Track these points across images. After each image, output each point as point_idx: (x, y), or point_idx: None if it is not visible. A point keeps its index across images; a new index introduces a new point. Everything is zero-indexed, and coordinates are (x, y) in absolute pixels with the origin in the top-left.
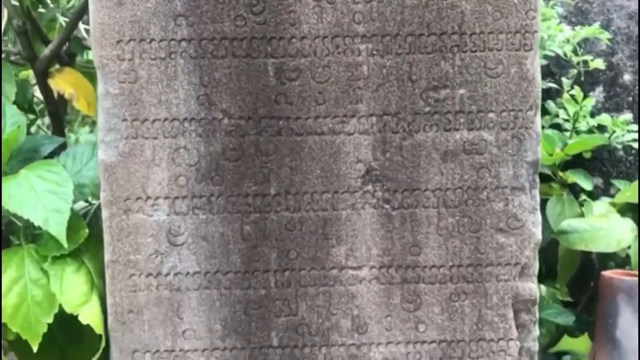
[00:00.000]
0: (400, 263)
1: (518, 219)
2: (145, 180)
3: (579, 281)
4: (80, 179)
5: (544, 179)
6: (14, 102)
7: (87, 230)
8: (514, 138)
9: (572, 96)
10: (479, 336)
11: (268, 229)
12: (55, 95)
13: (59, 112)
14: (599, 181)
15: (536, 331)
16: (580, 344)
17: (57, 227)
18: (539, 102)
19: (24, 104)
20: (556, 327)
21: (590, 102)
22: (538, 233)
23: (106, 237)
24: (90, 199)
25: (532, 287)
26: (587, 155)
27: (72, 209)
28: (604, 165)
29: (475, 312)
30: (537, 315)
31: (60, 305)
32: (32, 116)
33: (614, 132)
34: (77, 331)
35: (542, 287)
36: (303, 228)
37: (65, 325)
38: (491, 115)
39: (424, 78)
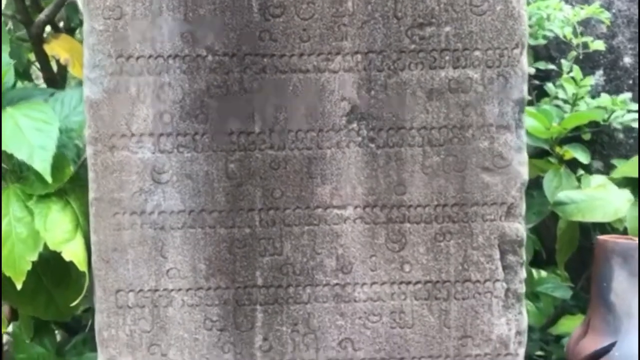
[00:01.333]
0: (385, 202)
1: (504, 158)
2: (130, 117)
3: (578, 263)
4: (68, 124)
5: (542, 154)
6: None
7: (72, 169)
8: (499, 76)
9: (572, 77)
10: (464, 277)
11: (253, 168)
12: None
13: (55, 78)
14: (599, 164)
15: (523, 273)
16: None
17: (41, 163)
18: (525, 40)
19: (19, 68)
20: (554, 308)
21: (589, 82)
22: (524, 173)
23: (90, 175)
24: (78, 142)
25: (519, 228)
26: (587, 137)
27: (57, 148)
28: (604, 148)
29: (461, 252)
30: (524, 257)
31: (45, 246)
32: (27, 83)
33: (614, 111)
34: (62, 274)
35: (543, 272)
36: (288, 167)
37: (51, 268)
38: (477, 53)
39: (409, 15)
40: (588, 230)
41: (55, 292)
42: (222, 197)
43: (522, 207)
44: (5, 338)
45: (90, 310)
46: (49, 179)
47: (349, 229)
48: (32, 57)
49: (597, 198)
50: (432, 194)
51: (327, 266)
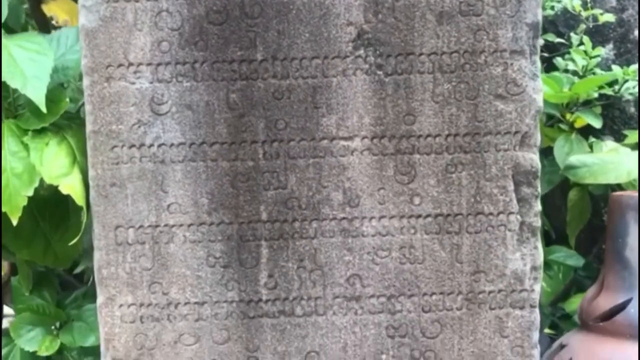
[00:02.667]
0: (394, 133)
1: (518, 85)
2: (127, 46)
3: (589, 240)
4: (64, 62)
5: (552, 122)
6: (5, 24)
7: (68, 101)
8: None
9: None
10: (477, 209)
11: (255, 97)
12: None
13: None
14: (610, 139)
15: (538, 206)
16: None
17: (35, 92)
18: None
19: (17, 28)
20: (564, 283)
21: (599, 51)
22: (539, 100)
23: (87, 107)
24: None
25: (534, 158)
26: (598, 111)
27: (53, 81)
28: (615, 123)
29: (473, 184)
30: (539, 189)
31: (42, 185)
32: None
33: (626, 81)
34: (60, 218)
35: None
36: (292, 96)
37: (49, 211)
38: None
39: None
40: (599, 206)
41: (53, 238)
42: (223, 128)
43: (537, 137)
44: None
45: (91, 268)
46: (44, 109)
47: (356, 160)
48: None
49: (609, 161)
50: (442, 123)
51: (333, 200)
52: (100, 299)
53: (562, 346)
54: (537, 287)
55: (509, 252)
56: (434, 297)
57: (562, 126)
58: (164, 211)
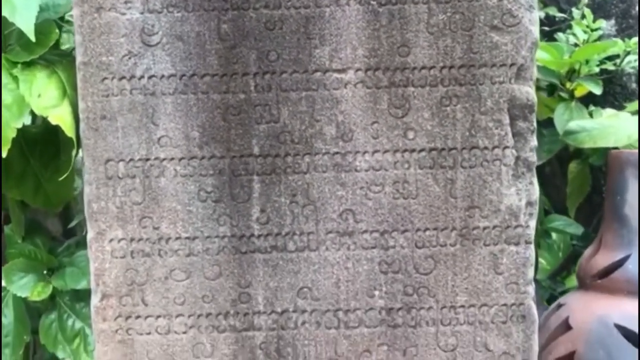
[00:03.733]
0: (388, 65)
1: (514, 16)
2: None
3: (588, 213)
4: None
5: (552, 91)
6: None
7: (58, 32)
8: None
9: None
10: (471, 143)
11: (246, 28)
12: None
13: None
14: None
15: (534, 141)
16: None
17: (25, 22)
18: None
19: None
20: (563, 257)
21: (600, 24)
22: (535, 32)
23: (77, 38)
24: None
25: (529, 92)
26: (598, 93)
27: (43, 15)
28: (616, 99)
29: (468, 117)
30: (535, 124)
31: (33, 121)
32: None
33: (628, 54)
34: (50, 156)
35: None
36: (284, 27)
37: (39, 149)
38: None
39: None
40: (599, 179)
41: (44, 176)
42: (214, 60)
43: (533, 70)
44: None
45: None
46: (32, 37)
47: (350, 93)
48: None
49: (609, 125)
50: (437, 55)
51: (326, 134)
52: (90, 233)
53: (559, 305)
54: (532, 224)
55: (504, 187)
56: (427, 232)
57: (562, 94)
58: (155, 144)
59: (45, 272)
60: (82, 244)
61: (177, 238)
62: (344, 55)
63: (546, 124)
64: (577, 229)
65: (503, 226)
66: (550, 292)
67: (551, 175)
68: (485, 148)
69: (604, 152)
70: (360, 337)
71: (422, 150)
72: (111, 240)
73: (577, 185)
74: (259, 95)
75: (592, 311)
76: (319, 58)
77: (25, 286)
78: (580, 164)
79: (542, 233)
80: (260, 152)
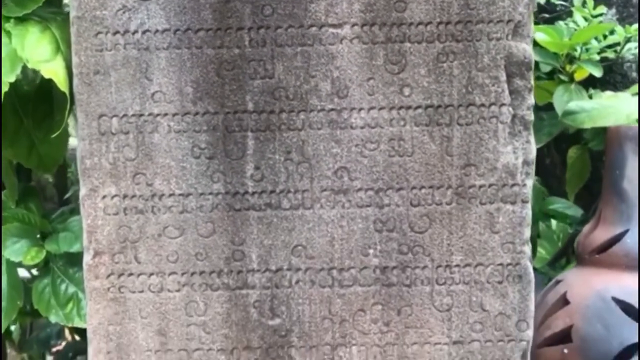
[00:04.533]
0: (384, 20)
1: None
2: None
3: (588, 200)
4: None
5: (551, 74)
6: None
7: None
8: None
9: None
10: (468, 100)
11: None
12: None
13: None
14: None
15: (531, 100)
16: None
17: None
18: None
19: None
20: (562, 243)
21: (601, 10)
22: None
23: None
24: None
25: (527, 49)
26: (599, 75)
27: None
28: (617, 88)
29: (465, 73)
30: (532, 82)
31: (25, 78)
32: None
33: (628, 40)
34: (43, 115)
35: (553, 221)
36: None
37: (32, 108)
38: None
39: None
40: (598, 165)
41: (37, 137)
42: (208, 14)
43: (530, 27)
44: None
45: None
46: None
47: (345, 49)
48: None
49: (609, 105)
50: (434, 11)
51: (321, 90)
52: (83, 190)
53: (557, 282)
54: (529, 183)
55: (500, 145)
56: (423, 190)
57: (562, 77)
58: (148, 100)
59: (38, 236)
60: (76, 210)
61: (170, 195)
62: (339, 10)
63: (546, 109)
64: (577, 212)
65: (499, 185)
66: (549, 278)
67: (551, 166)
68: (482, 105)
69: (604, 136)
70: (354, 296)
71: (418, 107)
72: (104, 197)
73: (576, 170)
74: (253, 50)
75: (590, 286)
76: (314, 13)
77: (19, 251)
78: (579, 149)
79: (542, 216)
80: (254, 108)
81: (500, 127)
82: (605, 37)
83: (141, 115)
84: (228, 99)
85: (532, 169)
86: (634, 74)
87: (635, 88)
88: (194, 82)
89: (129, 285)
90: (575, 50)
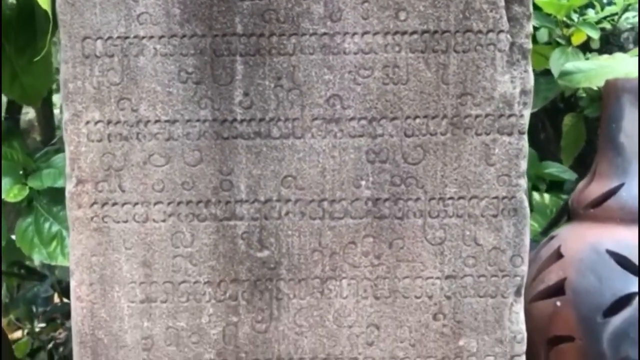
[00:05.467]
0: None
1: None
2: None
3: (583, 169)
4: None
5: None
6: None
7: None
8: None
9: None
10: (465, 26)
11: None
12: None
13: None
14: None
15: (529, 27)
16: None
17: None
18: None
19: None
20: (552, 213)
21: None
22: None
23: None
24: None
25: None
26: (596, 46)
27: None
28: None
29: None
30: (531, 9)
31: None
32: None
33: (627, 9)
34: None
35: (546, 195)
36: None
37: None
38: None
39: None
40: (593, 133)
41: (19, 65)
42: None
43: None
44: None
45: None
46: None
47: None
48: None
49: (606, 65)
50: None
51: (314, 13)
52: (66, 115)
53: (551, 237)
54: (527, 113)
55: (498, 74)
56: (417, 120)
57: (559, 40)
58: (134, 21)
59: (21, 173)
60: (61, 150)
61: (156, 121)
62: None
63: (543, 73)
64: (572, 176)
65: (496, 115)
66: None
67: (546, 142)
68: (480, 32)
69: (600, 103)
70: (345, 229)
71: (414, 32)
72: (87, 122)
73: (571, 138)
74: None
75: (584, 239)
76: None
77: (2, 188)
78: (575, 117)
79: (535, 179)
80: (243, 31)
81: (498, 55)
82: (602, 8)
83: (126, 37)
84: (216, 21)
85: (530, 100)
86: (631, 46)
87: (634, 51)
88: (181, 3)
89: (113, 215)
90: (573, 20)
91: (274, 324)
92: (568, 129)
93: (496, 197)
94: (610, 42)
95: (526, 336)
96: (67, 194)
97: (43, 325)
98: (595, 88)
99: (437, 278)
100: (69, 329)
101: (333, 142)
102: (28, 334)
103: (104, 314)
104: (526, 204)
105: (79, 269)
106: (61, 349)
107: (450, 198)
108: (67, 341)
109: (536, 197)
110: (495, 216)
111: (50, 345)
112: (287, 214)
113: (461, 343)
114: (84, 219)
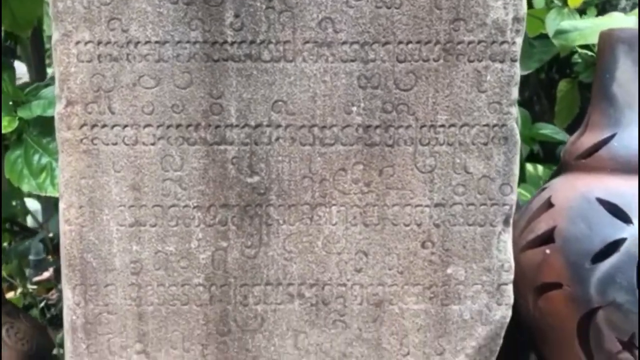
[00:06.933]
0: None
1: None
2: None
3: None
4: None
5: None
6: None
7: None
8: None
9: None
10: None
11: None
12: None
13: None
14: None
15: None
16: None
17: None
18: None
19: None
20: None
21: None
22: None
23: None
24: None
25: None
26: (592, 15)
27: None
28: None
29: None
30: None
31: None
32: None
33: None
34: None
35: (539, 167)
36: None
37: None
38: None
39: None
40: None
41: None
42: None
43: None
44: None
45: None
46: None
47: None
48: None
49: (602, 24)
50: None
51: None
52: (55, 35)
53: (542, 189)
54: (519, 41)
55: (490, 0)
56: (410, 45)
57: (556, 1)
58: None
59: (11, 103)
60: (51, 84)
61: (146, 42)
62: None
63: (539, 37)
64: (565, 137)
65: (488, 41)
66: None
67: (540, 114)
68: None
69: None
70: (335, 155)
71: None
72: (77, 42)
73: (565, 104)
74: None
75: (574, 188)
76: None
77: None
78: (569, 82)
79: (529, 141)
80: None
81: None
82: None
83: None
84: None
85: (523, 27)
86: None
87: (634, 12)
88: None
89: (103, 137)
90: None
91: (263, 250)
92: (563, 95)
93: (487, 125)
94: (607, 11)
95: (513, 267)
96: (56, 115)
97: (34, 287)
98: (590, 53)
99: (427, 206)
100: (61, 291)
101: (324, 67)
102: (21, 293)
103: (92, 237)
104: (517, 132)
105: (68, 191)
106: (53, 310)
107: (442, 125)
108: (59, 301)
109: (529, 168)
110: (485, 144)
111: (42, 304)
112: (277, 139)
113: (449, 271)
114: (73, 141)
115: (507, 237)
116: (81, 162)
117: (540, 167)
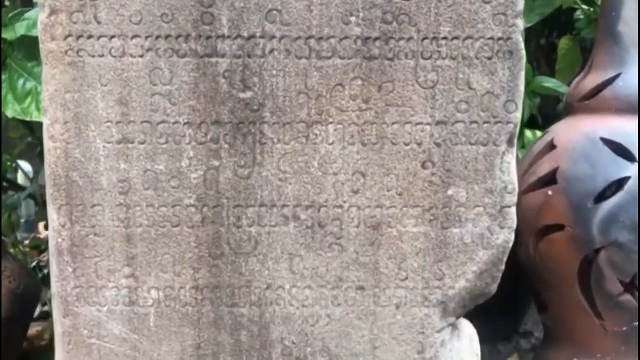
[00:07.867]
0: None
1: None
2: None
3: None
4: None
5: None
6: None
7: None
8: None
9: None
10: None
11: None
12: None
13: None
14: None
15: None
16: None
17: None
18: None
19: None
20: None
21: None
22: None
23: None
24: None
25: None
26: None
27: None
28: None
29: None
30: None
31: None
32: None
33: None
34: None
35: (538, 133)
36: None
37: None
38: None
39: None
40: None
41: None
42: None
43: None
44: None
45: None
46: None
47: None
48: None
49: None
50: None
51: None
52: None
53: (546, 133)
54: None
55: None
56: None
57: None
58: None
59: None
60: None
61: None
62: None
63: None
64: (565, 90)
65: None
66: None
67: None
68: None
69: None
70: (332, 69)
71: None
72: None
73: (567, 62)
74: None
75: (578, 130)
76: None
77: None
78: (571, 39)
79: (531, 95)
80: None
81: None
82: None
83: None
84: None
85: None
86: None
87: None
88: None
89: (88, 48)
90: None
91: (257, 170)
92: (564, 53)
93: (491, 38)
94: None
95: (517, 189)
96: (39, 25)
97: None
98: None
99: (428, 124)
100: None
101: None
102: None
103: (78, 154)
104: (522, 46)
105: (53, 105)
106: (46, 271)
107: (444, 38)
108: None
109: (528, 134)
110: (490, 58)
111: (34, 264)
112: (271, 51)
113: (450, 192)
114: (58, 53)
115: (511, 158)
116: (66, 75)
117: (539, 134)
